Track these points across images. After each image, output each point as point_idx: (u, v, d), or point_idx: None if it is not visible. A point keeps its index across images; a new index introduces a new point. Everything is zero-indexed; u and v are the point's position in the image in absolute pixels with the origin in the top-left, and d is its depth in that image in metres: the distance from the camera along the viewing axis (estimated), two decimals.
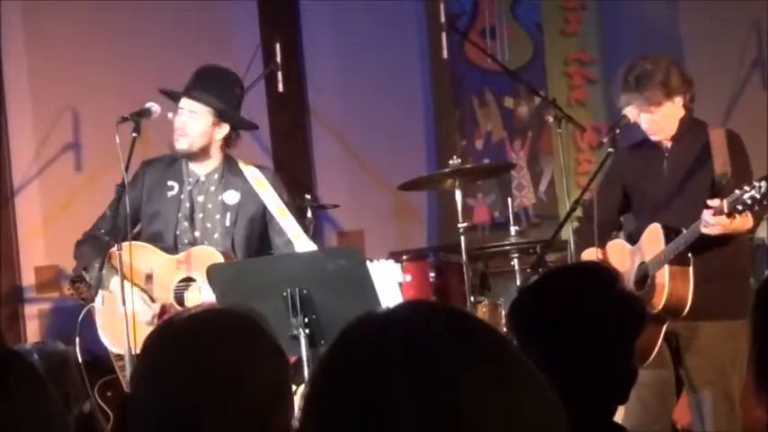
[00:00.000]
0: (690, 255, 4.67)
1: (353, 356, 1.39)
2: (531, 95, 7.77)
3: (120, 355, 5.10)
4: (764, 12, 7.34)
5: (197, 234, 5.30)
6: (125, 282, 4.90)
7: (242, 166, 5.35)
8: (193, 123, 5.23)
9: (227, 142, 5.32)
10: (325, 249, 5.01)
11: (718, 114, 7.11)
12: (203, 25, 7.98)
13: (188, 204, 5.32)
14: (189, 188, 5.33)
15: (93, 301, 5.21)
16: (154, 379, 1.93)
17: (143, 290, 5.20)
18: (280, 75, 7.85)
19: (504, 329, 5.29)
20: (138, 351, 4.66)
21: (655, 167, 4.94)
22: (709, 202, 4.51)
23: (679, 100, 4.85)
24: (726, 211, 4.45)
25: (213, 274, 4.65)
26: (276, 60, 7.84)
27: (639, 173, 5.02)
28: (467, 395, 1.33)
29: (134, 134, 4.99)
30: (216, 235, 5.29)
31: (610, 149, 4.94)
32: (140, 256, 5.17)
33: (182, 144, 5.24)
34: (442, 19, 7.56)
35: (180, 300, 5.21)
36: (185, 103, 5.24)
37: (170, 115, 5.26)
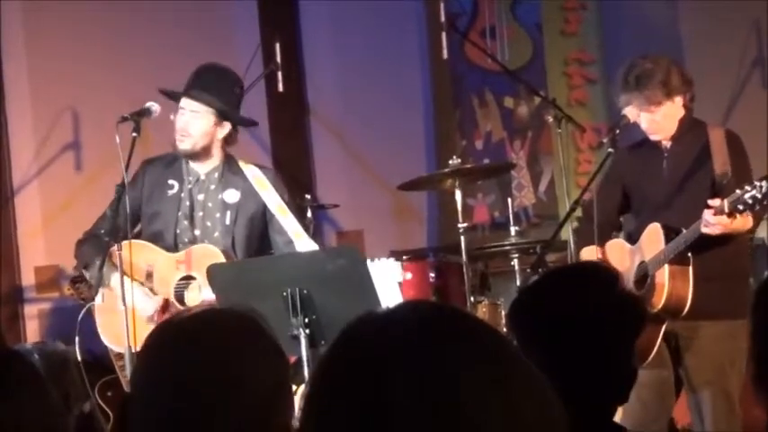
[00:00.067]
0: (689, 254, 4.67)
1: (353, 357, 1.39)
2: (531, 95, 7.77)
3: (120, 355, 5.10)
4: (764, 12, 7.34)
5: (197, 233, 5.30)
6: (125, 279, 4.91)
7: (242, 165, 5.36)
8: (196, 123, 5.23)
9: (227, 140, 5.33)
10: (326, 249, 5.01)
11: (718, 114, 7.11)
12: (203, 25, 7.98)
13: (188, 203, 5.32)
14: (189, 187, 5.33)
15: (93, 300, 5.21)
16: (154, 379, 1.93)
17: (143, 285, 5.21)
18: (280, 75, 7.86)
19: (504, 329, 5.29)
20: (138, 349, 4.68)
21: (654, 167, 4.94)
22: (710, 202, 4.51)
23: (679, 100, 4.85)
24: (727, 210, 4.45)
25: (213, 274, 4.65)
26: (276, 60, 7.85)
27: (639, 173, 5.02)
28: (467, 395, 1.33)
29: (134, 134, 4.99)
30: (216, 233, 5.29)
31: (610, 150, 4.94)
32: (140, 254, 5.18)
33: (185, 144, 5.24)
34: (442, 19, 7.56)
35: (180, 298, 5.21)
36: (186, 103, 5.24)
37: (172, 116, 5.26)
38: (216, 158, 5.33)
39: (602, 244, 4.96)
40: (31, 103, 7.88)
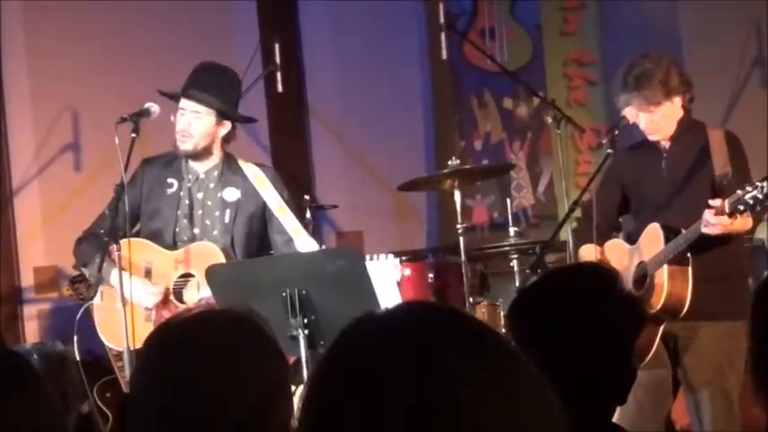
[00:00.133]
0: (689, 255, 4.68)
1: (353, 357, 1.39)
2: (531, 96, 7.78)
3: (119, 356, 5.09)
4: (764, 11, 7.34)
5: (196, 231, 5.31)
6: (125, 274, 4.91)
7: (242, 163, 5.36)
8: (197, 124, 5.24)
9: (227, 138, 5.34)
10: (325, 250, 5.01)
11: (718, 114, 7.11)
12: (203, 25, 7.99)
13: (187, 201, 5.33)
14: (188, 185, 5.33)
15: (92, 300, 5.21)
16: (154, 379, 1.93)
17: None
18: (279, 75, 7.86)
19: (504, 330, 5.30)
20: (137, 347, 4.69)
21: (653, 168, 4.94)
22: (711, 202, 4.51)
23: (678, 100, 4.85)
24: (727, 211, 4.45)
25: (212, 274, 4.65)
26: (275, 60, 7.85)
27: (638, 173, 5.02)
28: (466, 396, 1.33)
29: (133, 134, 5.00)
30: (215, 232, 5.30)
31: (609, 150, 4.94)
32: (139, 252, 5.18)
33: (187, 145, 5.25)
34: (442, 19, 7.57)
35: (179, 296, 5.21)
36: (187, 103, 5.24)
37: (172, 117, 5.26)
38: (216, 157, 5.34)
39: (600, 244, 4.96)
40: (30, 103, 7.88)
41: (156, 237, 5.31)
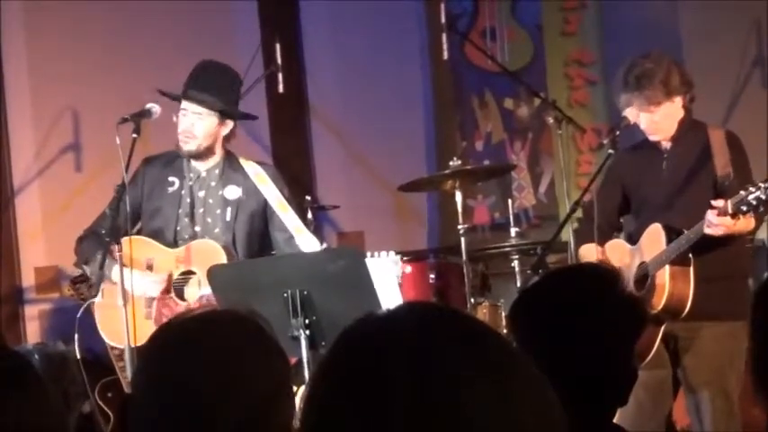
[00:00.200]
0: (690, 255, 4.67)
1: (354, 358, 1.39)
2: (532, 96, 7.77)
3: (120, 355, 5.10)
4: (765, 11, 7.34)
5: (197, 229, 5.31)
6: (126, 269, 4.91)
7: (243, 162, 5.37)
8: (200, 125, 5.24)
9: (228, 137, 5.35)
10: (326, 250, 5.01)
11: (719, 114, 7.11)
12: (203, 26, 7.99)
13: (188, 200, 5.33)
14: (190, 184, 5.34)
15: (93, 299, 5.22)
16: (155, 379, 1.93)
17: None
18: (280, 75, 7.86)
19: (505, 331, 5.30)
20: (138, 347, 4.69)
21: (654, 168, 4.94)
22: (714, 203, 4.51)
23: (679, 100, 4.85)
24: (730, 211, 4.45)
25: (214, 274, 4.65)
26: (276, 61, 7.86)
27: (639, 174, 5.02)
28: (467, 397, 1.33)
29: (134, 135, 5.00)
30: (216, 230, 5.30)
31: (610, 151, 4.94)
32: (140, 249, 5.19)
33: (190, 146, 5.26)
34: (443, 19, 7.57)
35: (180, 293, 5.22)
36: (188, 104, 5.25)
37: (174, 118, 5.26)
38: (217, 156, 5.35)
39: (601, 244, 4.96)
40: (31, 103, 7.88)
41: (157, 235, 5.31)
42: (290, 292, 4.43)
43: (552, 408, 1.39)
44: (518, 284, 6.22)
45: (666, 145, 4.93)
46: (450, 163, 6.10)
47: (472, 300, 5.92)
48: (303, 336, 4.40)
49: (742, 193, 4.44)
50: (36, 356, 6.39)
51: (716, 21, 7.41)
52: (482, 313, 5.97)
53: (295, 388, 4.33)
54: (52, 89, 7.86)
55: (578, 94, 7.83)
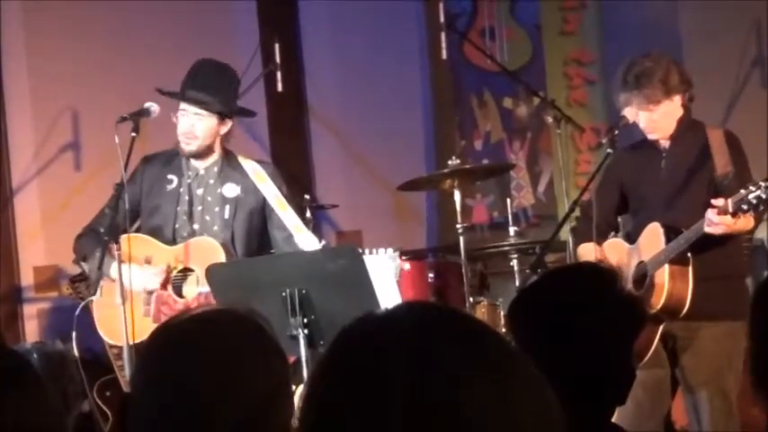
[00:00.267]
0: (689, 255, 4.67)
1: (353, 357, 1.39)
2: (531, 96, 7.77)
3: (118, 354, 5.10)
4: (764, 11, 7.34)
5: (196, 227, 5.32)
6: (124, 267, 4.91)
7: (241, 160, 5.38)
8: (200, 125, 5.25)
9: (226, 136, 5.36)
10: (325, 249, 5.01)
11: (718, 114, 7.11)
12: (203, 25, 7.98)
13: (187, 198, 5.34)
14: (188, 181, 5.34)
15: (92, 296, 5.22)
16: (154, 379, 1.93)
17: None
18: (279, 75, 7.86)
19: (504, 330, 5.30)
20: (136, 345, 4.70)
21: (653, 168, 4.94)
22: (714, 202, 4.51)
23: (678, 99, 4.85)
24: (731, 210, 4.45)
25: (212, 273, 4.65)
26: (275, 60, 7.86)
27: (637, 173, 5.02)
28: (466, 396, 1.33)
29: (133, 134, 5.00)
30: (215, 228, 5.31)
31: (609, 150, 4.94)
32: (139, 246, 5.19)
33: (191, 147, 5.27)
34: (442, 19, 7.57)
35: (178, 291, 5.22)
36: (188, 105, 5.25)
37: (174, 118, 5.27)
38: (216, 154, 5.36)
39: (599, 244, 4.96)
40: (30, 102, 7.88)
41: (155, 233, 5.32)
42: (288, 290, 4.43)
43: (551, 407, 1.39)
44: (517, 284, 6.22)
45: (665, 144, 4.93)
46: (449, 162, 6.10)
47: (471, 299, 5.92)
48: (302, 335, 4.40)
49: (742, 191, 4.44)
50: (35, 355, 6.38)
51: (716, 21, 7.41)
52: (481, 312, 5.98)
53: (294, 387, 4.34)
54: (52, 89, 7.86)
55: (577, 94, 7.84)
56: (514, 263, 6.36)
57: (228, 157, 5.38)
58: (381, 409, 1.33)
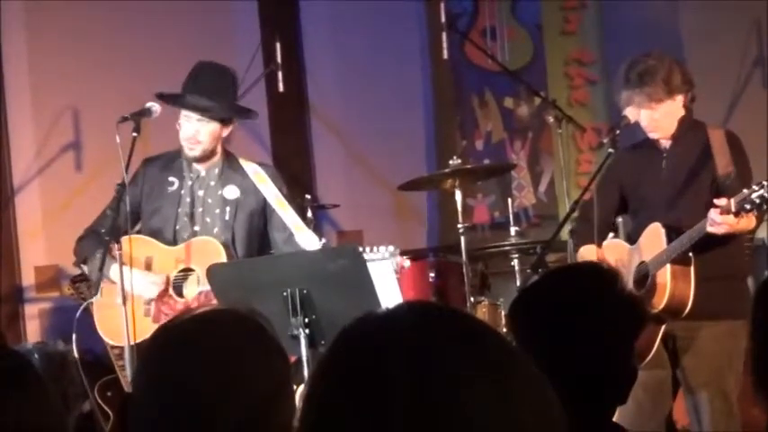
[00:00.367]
0: (691, 254, 4.67)
1: (353, 357, 1.39)
2: (532, 96, 7.78)
3: (120, 354, 5.10)
4: (765, 11, 7.34)
5: (196, 228, 5.32)
6: (125, 268, 4.92)
7: (242, 162, 5.38)
8: (204, 130, 5.26)
9: (228, 137, 5.38)
10: (326, 249, 5.01)
11: (719, 114, 7.11)
12: (204, 25, 7.99)
13: (188, 199, 5.34)
14: (190, 183, 5.35)
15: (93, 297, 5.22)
16: (155, 379, 1.93)
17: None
18: (280, 74, 7.87)
19: (504, 330, 5.30)
20: (137, 342, 4.70)
21: (653, 168, 4.94)
22: (716, 202, 4.51)
23: (680, 99, 4.85)
24: (733, 210, 4.45)
25: (213, 273, 4.66)
26: (276, 60, 7.86)
27: (638, 173, 5.01)
28: (466, 396, 1.33)
29: (134, 134, 5.00)
30: (215, 229, 5.31)
31: (610, 150, 4.94)
32: (140, 247, 5.20)
33: (196, 152, 5.28)
34: (443, 19, 7.57)
35: (178, 290, 5.22)
36: (191, 112, 5.26)
37: (177, 125, 5.27)
38: (217, 156, 5.36)
39: (599, 244, 4.95)
40: (31, 102, 7.88)
41: (156, 235, 5.32)
42: (289, 290, 4.43)
43: (552, 407, 1.39)
44: (518, 283, 6.22)
45: (666, 144, 4.93)
46: (450, 162, 6.10)
47: (472, 299, 5.92)
48: (303, 334, 4.40)
49: (745, 191, 4.44)
50: (36, 356, 6.39)
51: (716, 21, 7.41)
52: (482, 312, 5.97)
53: (295, 387, 4.34)
54: (53, 88, 7.86)
55: (578, 94, 7.84)
56: (515, 263, 6.36)
57: (229, 159, 5.38)
58: (381, 409, 1.33)
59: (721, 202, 4.50)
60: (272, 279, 4.50)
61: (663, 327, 4.74)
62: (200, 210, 5.34)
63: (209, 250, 5.14)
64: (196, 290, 5.17)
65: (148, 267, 5.26)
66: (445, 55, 7.62)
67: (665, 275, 4.70)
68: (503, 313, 5.98)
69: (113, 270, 5.07)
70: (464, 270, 5.90)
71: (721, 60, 7.35)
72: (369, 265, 4.53)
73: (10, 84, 7.85)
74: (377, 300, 4.38)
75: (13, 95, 7.85)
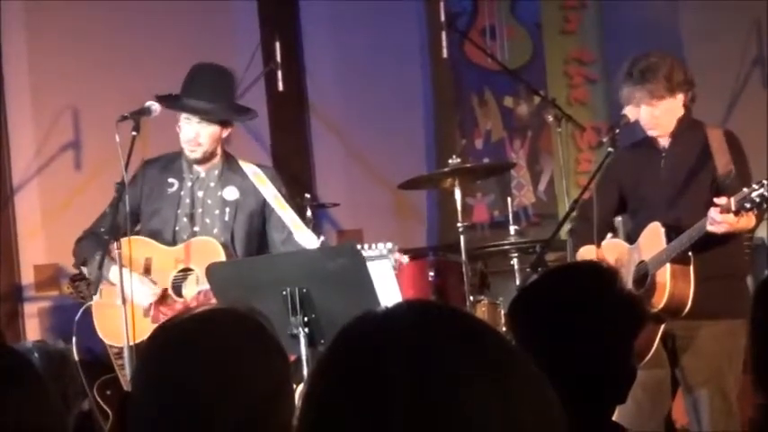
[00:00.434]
0: (690, 254, 4.67)
1: (352, 356, 1.39)
2: (531, 95, 7.78)
3: (119, 353, 5.10)
4: (765, 11, 7.35)
5: (196, 229, 5.32)
6: (125, 270, 4.92)
7: (242, 163, 5.39)
8: (205, 133, 5.27)
9: (227, 138, 5.39)
10: (325, 248, 5.01)
11: (719, 113, 7.11)
12: (203, 24, 7.99)
13: (188, 200, 5.34)
14: (189, 185, 5.35)
15: (92, 299, 5.23)
16: (154, 379, 1.92)
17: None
18: (279, 74, 7.87)
19: (504, 329, 5.29)
20: (137, 342, 4.70)
21: (652, 167, 4.94)
22: (716, 200, 4.51)
23: (680, 97, 4.85)
24: (734, 209, 4.45)
25: (213, 272, 4.65)
26: (276, 59, 7.86)
27: (637, 173, 5.01)
28: (466, 395, 1.33)
29: (134, 133, 5.00)
30: (215, 230, 5.31)
31: (609, 149, 4.94)
32: (139, 248, 5.20)
33: (197, 154, 5.29)
34: (442, 18, 7.58)
35: (178, 290, 5.22)
36: (192, 115, 5.26)
37: (178, 128, 5.28)
38: (217, 157, 5.36)
39: (598, 244, 4.95)
40: (31, 101, 7.88)
41: (155, 236, 5.32)
42: (289, 289, 4.43)
43: (552, 406, 1.39)
44: (517, 282, 6.22)
45: (664, 143, 4.93)
46: (450, 161, 6.11)
47: (471, 298, 5.92)
48: (302, 333, 4.40)
49: (745, 190, 4.44)
50: (36, 354, 6.38)
51: (716, 21, 7.41)
52: (481, 311, 5.98)
53: (294, 386, 4.34)
54: (52, 88, 7.86)
55: (578, 93, 7.84)
56: (515, 262, 6.36)
57: (229, 161, 5.39)
58: (381, 409, 1.32)
59: (721, 200, 4.50)
60: (271, 278, 4.50)
61: (662, 326, 4.74)
62: (200, 211, 5.35)
63: (208, 250, 5.15)
64: (195, 289, 5.18)
65: (148, 269, 5.26)
66: (445, 54, 7.62)
67: (664, 275, 4.70)
68: (502, 312, 5.98)
69: (113, 272, 5.07)
70: (463, 269, 5.90)
71: (721, 60, 7.35)
72: (368, 264, 4.53)
73: (10, 84, 7.85)
74: (376, 299, 4.38)
75: (13, 95, 7.85)
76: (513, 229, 6.48)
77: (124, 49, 7.88)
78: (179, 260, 5.24)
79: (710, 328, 4.76)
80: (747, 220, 4.56)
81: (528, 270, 5.42)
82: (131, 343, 4.79)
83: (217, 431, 1.86)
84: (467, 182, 6.43)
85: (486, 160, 7.81)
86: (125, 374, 5.12)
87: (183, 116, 5.27)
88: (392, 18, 8.09)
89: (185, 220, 5.33)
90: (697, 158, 4.85)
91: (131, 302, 4.95)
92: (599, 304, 2.59)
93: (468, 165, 6.46)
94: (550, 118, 6.77)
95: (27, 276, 7.85)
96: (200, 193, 5.36)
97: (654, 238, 4.77)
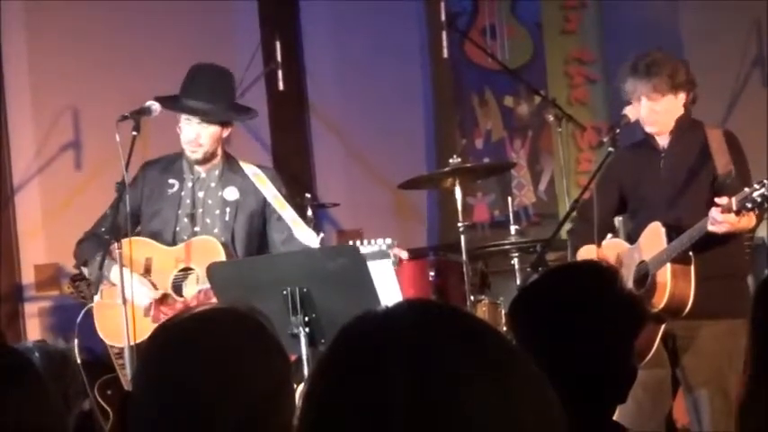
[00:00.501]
0: (691, 253, 4.67)
1: (352, 356, 1.39)
2: (532, 94, 7.78)
3: (119, 353, 5.11)
4: (765, 11, 7.34)
5: (197, 229, 5.33)
6: (125, 271, 4.92)
7: (242, 163, 5.39)
8: (205, 133, 5.27)
9: (227, 138, 5.40)
10: (326, 248, 5.01)
11: (719, 113, 7.11)
12: (203, 24, 7.99)
13: (188, 201, 5.35)
14: (190, 185, 5.35)
15: (92, 299, 5.23)
16: (154, 378, 1.93)
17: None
18: (280, 73, 7.87)
19: (504, 329, 5.30)
20: (137, 342, 4.71)
21: (652, 167, 4.94)
22: (717, 200, 4.51)
23: (682, 96, 4.86)
24: (735, 209, 4.46)
25: (213, 272, 4.66)
26: (276, 59, 7.86)
27: (637, 173, 5.02)
28: (466, 395, 1.33)
29: (134, 132, 5.00)
30: (215, 230, 5.32)
31: (610, 149, 4.94)
32: (140, 249, 5.20)
33: (198, 155, 5.29)
34: (443, 17, 7.58)
35: (178, 290, 5.23)
36: (192, 116, 5.27)
37: (178, 129, 5.28)
38: (217, 158, 5.37)
39: (598, 244, 4.95)
40: (31, 101, 7.88)
41: (156, 237, 5.33)
42: (289, 289, 4.43)
43: (552, 406, 1.39)
44: (518, 282, 6.22)
45: (664, 144, 4.93)
46: (450, 161, 6.11)
47: (472, 297, 5.92)
48: (303, 333, 4.41)
49: (746, 190, 4.45)
50: (36, 354, 6.39)
51: (716, 21, 7.41)
52: (481, 311, 5.97)
53: (295, 385, 4.34)
54: (52, 88, 7.86)
55: (578, 92, 7.84)
56: (515, 261, 6.36)
57: (229, 161, 5.39)
58: (382, 408, 1.32)
59: (722, 200, 4.50)
60: (271, 278, 4.50)
61: (663, 326, 4.74)
62: (201, 211, 5.35)
63: (208, 249, 5.15)
64: (195, 289, 5.18)
65: (148, 269, 5.26)
66: (445, 54, 7.62)
67: (665, 275, 4.70)
68: (503, 312, 5.98)
69: (113, 272, 5.08)
70: (464, 269, 5.90)
71: (721, 60, 7.35)
72: (368, 263, 4.53)
73: (10, 84, 7.85)
74: (377, 298, 4.39)
75: (13, 95, 7.85)
76: (513, 228, 6.48)
77: (124, 49, 7.88)
78: (179, 260, 5.25)
79: (711, 328, 4.76)
80: (748, 220, 4.57)
81: (528, 270, 5.42)
82: (132, 343, 4.79)
83: (217, 430, 1.86)
84: (467, 181, 6.43)
85: (486, 160, 7.81)
86: (126, 374, 5.12)
87: (184, 117, 5.27)
88: (392, 18, 8.09)
89: (186, 220, 5.34)
90: (697, 158, 4.85)
91: (132, 302, 4.95)
92: (599, 304, 2.59)
93: (469, 164, 6.46)
94: (551, 118, 6.77)
95: (27, 276, 7.85)
96: (200, 194, 5.36)
97: (654, 237, 4.77)
